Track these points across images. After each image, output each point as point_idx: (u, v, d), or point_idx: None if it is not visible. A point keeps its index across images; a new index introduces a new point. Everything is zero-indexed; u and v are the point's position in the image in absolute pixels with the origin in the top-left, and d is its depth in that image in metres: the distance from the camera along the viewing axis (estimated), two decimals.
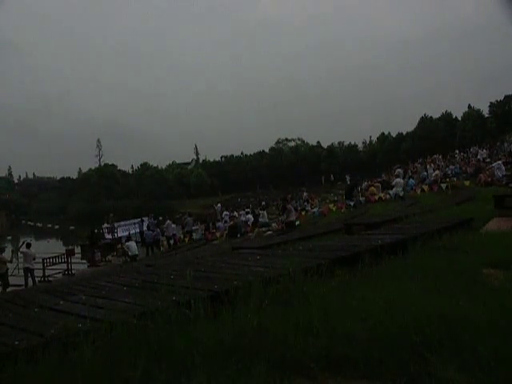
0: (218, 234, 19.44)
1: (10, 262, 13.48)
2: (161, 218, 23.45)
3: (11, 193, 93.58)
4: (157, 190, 73.28)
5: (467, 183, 18.22)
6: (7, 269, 13.06)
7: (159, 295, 2.94)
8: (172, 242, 20.28)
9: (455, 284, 2.97)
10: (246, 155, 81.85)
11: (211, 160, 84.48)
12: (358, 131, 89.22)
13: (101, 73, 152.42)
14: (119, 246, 20.56)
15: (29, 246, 14.67)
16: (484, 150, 29.72)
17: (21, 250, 14.86)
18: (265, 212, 21.22)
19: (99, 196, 72.65)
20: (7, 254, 13.24)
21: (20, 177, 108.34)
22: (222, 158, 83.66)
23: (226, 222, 21.26)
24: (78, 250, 20.09)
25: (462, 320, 2.16)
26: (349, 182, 19.02)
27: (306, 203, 26.91)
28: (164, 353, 2.14)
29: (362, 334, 2.13)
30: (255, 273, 3.48)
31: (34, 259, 14.72)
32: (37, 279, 14.67)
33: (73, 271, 16.93)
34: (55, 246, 29.73)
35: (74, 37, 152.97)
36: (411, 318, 2.24)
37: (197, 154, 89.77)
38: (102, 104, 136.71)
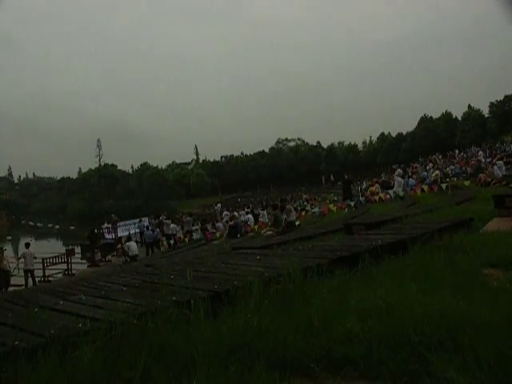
0: (217, 234, 19.44)
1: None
2: (161, 218, 23.46)
3: (11, 193, 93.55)
4: (157, 190, 73.22)
5: (467, 183, 18.21)
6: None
7: (159, 295, 2.93)
8: (172, 241, 20.31)
9: (455, 284, 2.97)
10: (245, 155, 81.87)
11: (211, 160, 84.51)
12: (358, 131, 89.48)
13: (101, 72, 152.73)
14: (119, 246, 20.57)
15: (28, 245, 14.71)
16: (481, 152, 29.73)
17: (21, 252, 14.87)
18: (265, 212, 21.24)
19: (99, 196, 72.65)
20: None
21: (20, 177, 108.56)
22: (221, 158, 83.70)
23: (226, 222, 21.28)
24: (78, 249, 20.12)
25: (462, 320, 2.16)
26: (346, 177, 19.00)
27: (306, 203, 26.95)
28: (164, 353, 2.14)
29: (362, 334, 2.13)
30: (255, 273, 3.47)
31: (35, 258, 14.75)
32: (37, 279, 14.70)
33: (73, 271, 16.95)
34: (55, 246, 29.77)
35: (74, 36, 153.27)
36: (411, 317, 2.24)
37: (197, 154, 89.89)
38: (102, 104, 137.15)
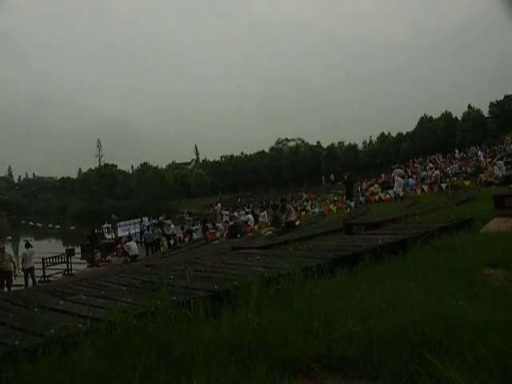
0: (218, 234, 19.42)
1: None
2: (160, 218, 23.45)
3: (11, 193, 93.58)
4: (157, 190, 73.17)
5: (467, 183, 18.22)
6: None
7: (159, 295, 2.93)
8: (172, 241, 20.29)
9: (455, 284, 2.97)
10: (246, 155, 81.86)
11: (211, 160, 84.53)
12: (358, 131, 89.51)
13: (101, 73, 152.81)
14: (119, 246, 20.55)
15: (28, 245, 14.71)
16: (481, 152, 29.74)
17: (21, 252, 14.91)
18: (265, 212, 21.24)
19: (99, 196, 72.62)
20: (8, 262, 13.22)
21: (20, 177, 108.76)
22: (221, 158, 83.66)
23: (226, 222, 21.26)
24: (78, 249, 20.10)
25: (462, 320, 2.16)
26: (346, 178, 19.06)
27: (306, 203, 26.96)
28: (164, 353, 2.14)
29: (362, 334, 2.13)
30: (255, 273, 3.47)
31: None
32: (37, 279, 14.69)
33: (73, 271, 16.93)
34: (55, 246, 29.76)
35: (74, 36, 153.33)
36: (411, 317, 2.24)
37: (197, 154, 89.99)
38: (102, 104, 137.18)
